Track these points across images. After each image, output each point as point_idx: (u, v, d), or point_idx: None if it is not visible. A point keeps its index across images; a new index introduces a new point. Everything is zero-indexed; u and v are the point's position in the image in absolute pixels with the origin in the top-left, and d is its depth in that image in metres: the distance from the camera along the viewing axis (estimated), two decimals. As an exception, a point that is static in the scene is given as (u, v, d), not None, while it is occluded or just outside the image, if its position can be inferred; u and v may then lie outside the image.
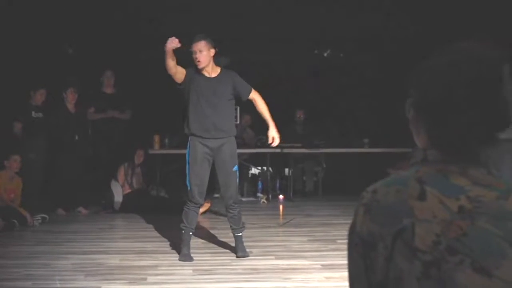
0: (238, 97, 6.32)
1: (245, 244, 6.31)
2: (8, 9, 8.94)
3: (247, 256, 6.23)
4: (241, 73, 11.36)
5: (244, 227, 6.43)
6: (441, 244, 1.55)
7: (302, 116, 11.55)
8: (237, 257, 6.24)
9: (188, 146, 6.29)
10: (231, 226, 6.38)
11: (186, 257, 6.15)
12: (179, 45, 5.97)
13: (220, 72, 6.28)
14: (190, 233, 6.28)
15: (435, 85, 1.65)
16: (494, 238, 1.59)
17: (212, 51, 6.15)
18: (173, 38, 5.98)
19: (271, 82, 10.89)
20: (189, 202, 6.27)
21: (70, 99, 9.33)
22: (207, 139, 6.17)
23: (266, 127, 11.15)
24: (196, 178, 6.19)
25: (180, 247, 6.26)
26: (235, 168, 6.33)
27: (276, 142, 6.42)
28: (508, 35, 8.69)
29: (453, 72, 1.62)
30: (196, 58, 6.09)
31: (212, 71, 6.22)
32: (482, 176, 1.66)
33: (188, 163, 6.26)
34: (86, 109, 9.72)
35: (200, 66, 6.11)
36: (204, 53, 6.08)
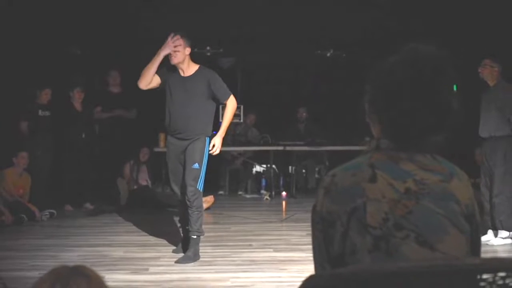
0: (216, 98, 6.20)
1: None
2: (14, 10, 9.17)
3: (184, 263, 5.93)
4: (245, 73, 11.63)
5: (200, 232, 6.14)
6: (389, 221, 1.78)
7: (304, 115, 11.78)
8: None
9: None
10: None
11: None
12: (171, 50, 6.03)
13: (196, 70, 6.19)
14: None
15: (383, 82, 1.88)
16: (437, 216, 1.81)
17: (188, 50, 6.11)
18: (170, 43, 6.04)
19: (274, 82, 11.12)
20: None
21: (77, 98, 9.58)
22: (177, 138, 6.20)
23: (269, 126, 11.41)
24: (171, 174, 6.36)
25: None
26: (195, 166, 6.06)
27: (216, 150, 6.14)
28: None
29: (398, 70, 1.85)
30: (170, 54, 6.07)
31: (186, 69, 6.15)
32: (427, 162, 1.89)
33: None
34: (93, 108, 9.96)
35: (173, 62, 6.09)
36: (180, 51, 6.07)
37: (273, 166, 11.39)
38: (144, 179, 10.09)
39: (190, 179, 6.06)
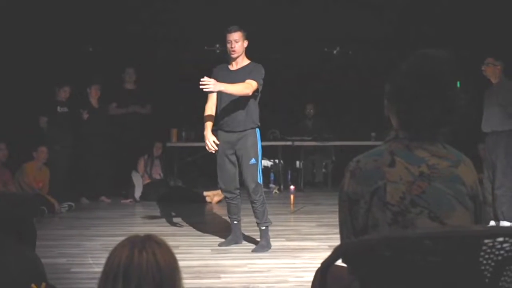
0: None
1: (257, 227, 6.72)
2: (33, 12, 9.51)
3: (259, 252, 6.20)
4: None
5: (268, 222, 6.39)
6: (406, 199, 2.13)
7: (312, 110, 12.10)
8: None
9: None
10: None
11: (229, 241, 6.56)
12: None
13: (246, 65, 6.26)
14: (235, 222, 6.58)
15: (400, 82, 2.22)
16: (446, 196, 2.16)
17: (246, 42, 6.21)
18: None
19: (282, 78, 11.38)
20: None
21: (93, 95, 9.93)
22: (225, 131, 6.28)
23: (278, 122, 11.66)
24: (218, 168, 6.39)
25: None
26: (252, 161, 6.23)
27: (210, 86, 5.73)
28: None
29: (411, 72, 2.20)
30: (232, 48, 6.15)
31: (238, 63, 6.24)
32: (438, 150, 2.23)
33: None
34: (108, 104, 10.30)
35: (234, 55, 6.17)
36: (239, 43, 6.15)
37: (281, 161, 11.71)
38: (157, 173, 10.42)
39: (249, 176, 6.23)
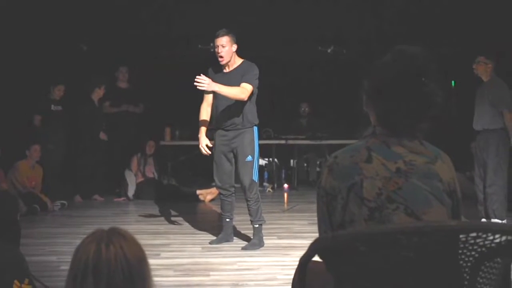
0: None
1: (250, 226, 6.70)
2: (28, 10, 9.50)
3: (249, 249, 6.22)
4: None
5: (261, 220, 6.41)
6: (382, 195, 2.14)
7: (307, 109, 12.12)
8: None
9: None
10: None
11: (220, 239, 6.54)
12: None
13: (239, 65, 6.25)
14: (227, 220, 6.58)
15: (377, 78, 2.23)
16: (423, 192, 2.16)
17: (235, 46, 6.17)
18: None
19: (277, 77, 11.39)
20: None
21: (96, 95, 9.93)
22: (223, 130, 6.32)
23: (272, 121, 11.67)
24: (214, 165, 6.43)
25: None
26: (248, 158, 6.27)
27: (204, 84, 5.86)
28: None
29: (388, 68, 2.21)
30: (218, 53, 6.13)
31: (230, 66, 6.24)
32: (415, 146, 2.24)
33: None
34: (102, 103, 10.30)
35: (223, 62, 6.16)
36: (226, 49, 6.11)
37: (275, 159, 11.73)
38: (151, 172, 10.42)
39: (245, 173, 6.26)
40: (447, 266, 1.95)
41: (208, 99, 6.39)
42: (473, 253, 1.92)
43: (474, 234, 1.85)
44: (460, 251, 1.92)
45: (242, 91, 6.07)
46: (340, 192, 2.17)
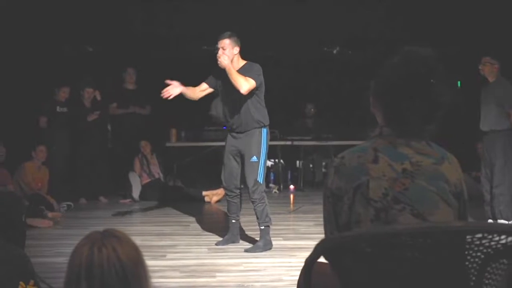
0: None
1: (256, 227, 6.67)
2: (33, 12, 9.53)
3: (251, 252, 6.19)
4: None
5: (267, 222, 6.36)
6: (389, 196, 2.13)
7: (312, 110, 12.11)
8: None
9: None
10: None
11: (226, 241, 6.54)
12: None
13: (241, 67, 6.21)
14: (233, 221, 6.58)
15: (385, 79, 2.23)
16: (429, 193, 2.16)
17: (237, 49, 6.16)
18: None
19: (282, 78, 11.37)
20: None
21: (86, 96, 9.89)
22: (233, 132, 6.37)
23: (278, 122, 11.66)
24: (224, 167, 6.46)
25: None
26: (253, 159, 6.28)
27: (223, 60, 6.07)
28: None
29: (396, 69, 2.20)
30: (218, 56, 6.11)
31: (234, 67, 6.14)
32: (422, 147, 2.23)
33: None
34: (108, 104, 10.30)
35: (220, 64, 6.11)
36: (226, 51, 6.09)
37: (281, 160, 11.71)
38: (156, 172, 10.41)
39: (249, 174, 6.27)
40: (453, 267, 1.94)
41: (201, 86, 6.45)
42: (479, 254, 1.91)
43: (480, 235, 1.85)
44: (466, 252, 1.92)
45: (245, 82, 6.04)
46: (347, 193, 2.17)
